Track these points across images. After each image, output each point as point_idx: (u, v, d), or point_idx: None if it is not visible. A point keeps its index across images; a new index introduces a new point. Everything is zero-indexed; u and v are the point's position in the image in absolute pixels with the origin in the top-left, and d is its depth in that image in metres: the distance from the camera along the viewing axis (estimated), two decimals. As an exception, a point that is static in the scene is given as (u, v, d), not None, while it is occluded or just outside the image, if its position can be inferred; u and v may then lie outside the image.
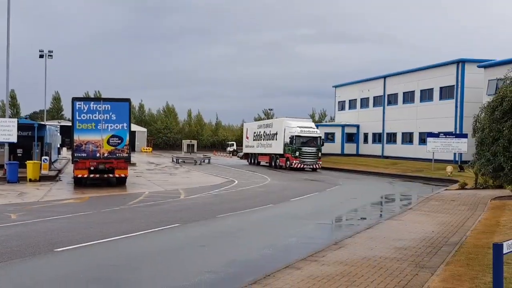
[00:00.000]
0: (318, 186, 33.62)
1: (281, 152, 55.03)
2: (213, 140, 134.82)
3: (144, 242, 14.06)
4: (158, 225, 16.38)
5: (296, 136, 52.79)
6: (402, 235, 14.63)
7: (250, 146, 67.54)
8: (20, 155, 36.63)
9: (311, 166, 52.72)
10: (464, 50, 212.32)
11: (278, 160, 56.17)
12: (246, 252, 12.92)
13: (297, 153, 52.21)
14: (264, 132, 62.03)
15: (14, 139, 33.09)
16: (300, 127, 53.82)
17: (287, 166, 53.15)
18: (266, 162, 60.49)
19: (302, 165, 52.30)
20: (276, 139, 57.07)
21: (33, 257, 11.73)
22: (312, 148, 52.71)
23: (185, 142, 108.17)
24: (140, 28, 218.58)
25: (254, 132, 65.82)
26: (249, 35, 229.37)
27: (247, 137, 69.08)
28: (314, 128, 55.03)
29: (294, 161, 52.34)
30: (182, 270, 11.01)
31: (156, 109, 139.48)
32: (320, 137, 54.73)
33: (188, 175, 42.87)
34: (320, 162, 53.34)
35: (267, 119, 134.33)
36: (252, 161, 65.48)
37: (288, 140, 53.48)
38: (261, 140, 62.89)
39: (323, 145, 55.24)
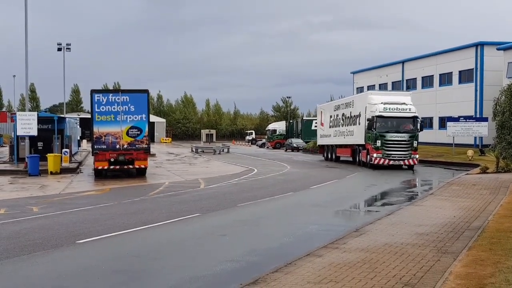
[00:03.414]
0: (338, 173, 33.51)
1: (362, 141, 38.77)
2: (232, 129, 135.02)
3: (165, 232, 14.13)
4: (179, 215, 16.45)
5: (377, 116, 36.44)
6: (423, 220, 14.54)
7: (326, 135, 49.47)
8: (41, 148, 36.88)
9: (402, 162, 36.16)
10: (483, 33, 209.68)
11: (360, 154, 39.60)
12: (267, 240, 12.92)
13: (379, 143, 36.06)
14: (343, 114, 44.26)
15: (34, 132, 33.37)
16: (385, 103, 36.88)
17: (368, 161, 37.47)
18: (348, 157, 43.65)
19: (387, 161, 35.92)
20: (359, 123, 40.00)
21: (56, 249, 11.84)
22: (401, 134, 36.34)
23: (204, 132, 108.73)
24: (157, 19, 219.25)
25: (331, 116, 48.16)
26: (266, 24, 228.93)
27: (321, 124, 51.82)
28: (406, 105, 37.42)
29: (375, 155, 36.11)
30: (203, 259, 11.04)
31: (175, 100, 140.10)
32: (415, 117, 37.15)
33: (207, 165, 42.97)
34: (417, 156, 36.86)
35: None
36: (329, 155, 48.11)
37: (366, 124, 37.55)
38: (339, 126, 45.37)
39: (421, 130, 38.03)
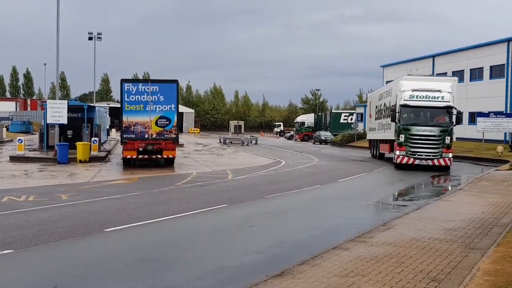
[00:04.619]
0: (366, 167, 33.30)
1: (393, 136, 32.99)
2: (260, 121, 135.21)
3: (192, 223, 14.19)
4: (206, 206, 16.49)
5: (401, 106, 31.14)
6: (451, 216, 14.39)
7: (373, 128, 43.70)
8: (70, 136, 37.16)
9: (431, 162, 30.36)
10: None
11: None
12: (294, 232, 12.90)
13: (402, 138, 30.65)
14: (384, 104, 38.21)
15: (64, 120, 33.67)
16: (414, 90, 31.15)
17: (395, 160, 31.76)
18: (389, 154, 35.94)
19: (411, 160, 30.54)
20: None
21: (84, 237, 11.96)
22: (430, 128, 30.47)
23: (232, 123, 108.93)
24: (187, 10, 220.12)
25: (376, 107, 42.23)
26: (296, 15, 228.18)
27: (370, 115, 45.99)
28: (441, 92, 30.87)
29: (398, 152, 30.89)
30: (230, 250, 11.08)
31: (204, 90, 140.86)
32: (448, 107, 30.68)
33: (235, 156, 43.05)
34: (450, 155, 30.56)
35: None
36: (375, 152, 41.88)
37: (390, 114, 32.55)
38: (381, 118, 39.33)
39: (458, 123, 31.23)
